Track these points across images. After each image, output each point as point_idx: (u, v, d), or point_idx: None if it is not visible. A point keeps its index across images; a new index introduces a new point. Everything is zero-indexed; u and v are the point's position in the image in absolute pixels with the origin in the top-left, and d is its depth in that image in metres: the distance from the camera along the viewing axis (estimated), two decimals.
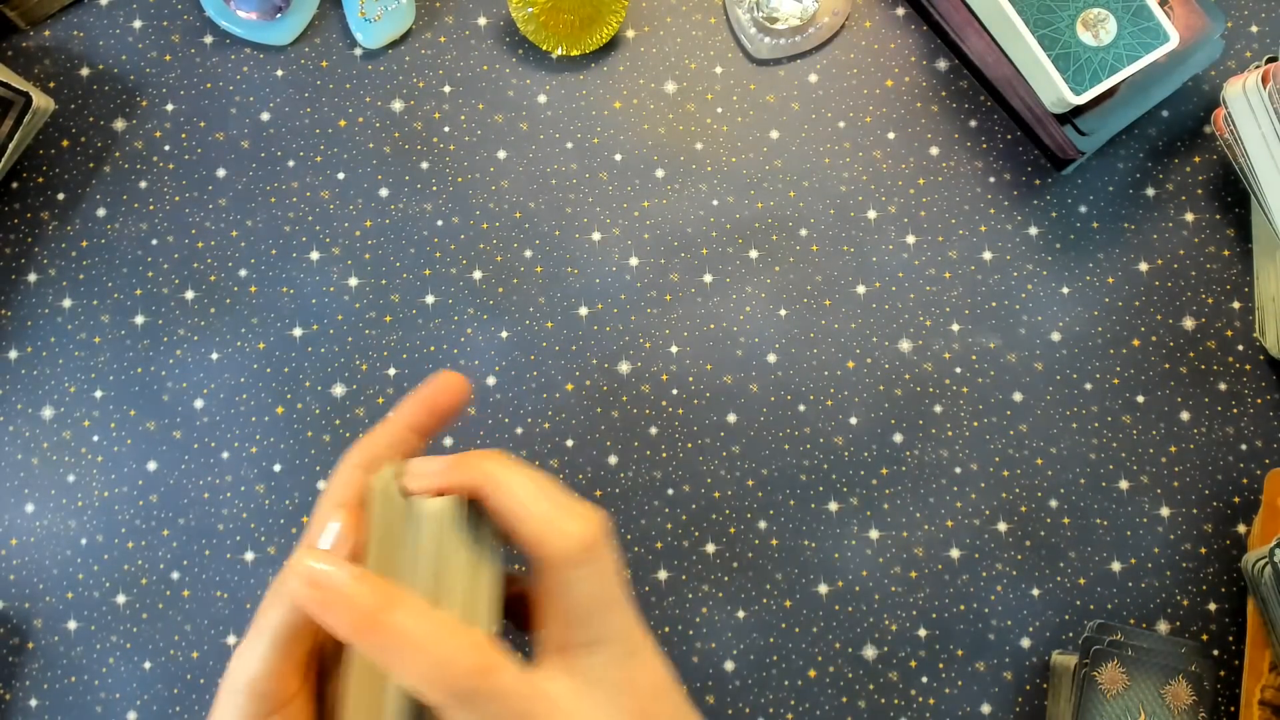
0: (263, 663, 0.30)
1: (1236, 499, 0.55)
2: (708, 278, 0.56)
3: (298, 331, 0.56)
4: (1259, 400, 0.55)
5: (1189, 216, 0.57)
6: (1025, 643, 0.54)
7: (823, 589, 0.54)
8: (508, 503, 0.29)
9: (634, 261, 0.56)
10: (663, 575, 0.54)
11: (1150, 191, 0.57)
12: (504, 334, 0.56)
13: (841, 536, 0.54)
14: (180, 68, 0.57)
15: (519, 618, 0.34)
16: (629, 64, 0.58)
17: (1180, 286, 0.56)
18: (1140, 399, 0.55)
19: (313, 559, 0.28)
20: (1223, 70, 0.57)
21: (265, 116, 0.57)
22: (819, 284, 0.56)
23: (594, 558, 0.29)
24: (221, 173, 0.57)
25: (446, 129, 0.57)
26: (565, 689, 0.28)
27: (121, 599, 0.54)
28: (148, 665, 0.54)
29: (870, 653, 0.54)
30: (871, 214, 0.57)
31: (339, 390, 0.55)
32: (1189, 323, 0.56)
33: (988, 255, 0.56)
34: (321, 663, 0.32)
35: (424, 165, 0.57)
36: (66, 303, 0.56)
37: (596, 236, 0.56)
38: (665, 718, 0.30)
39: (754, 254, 0.56)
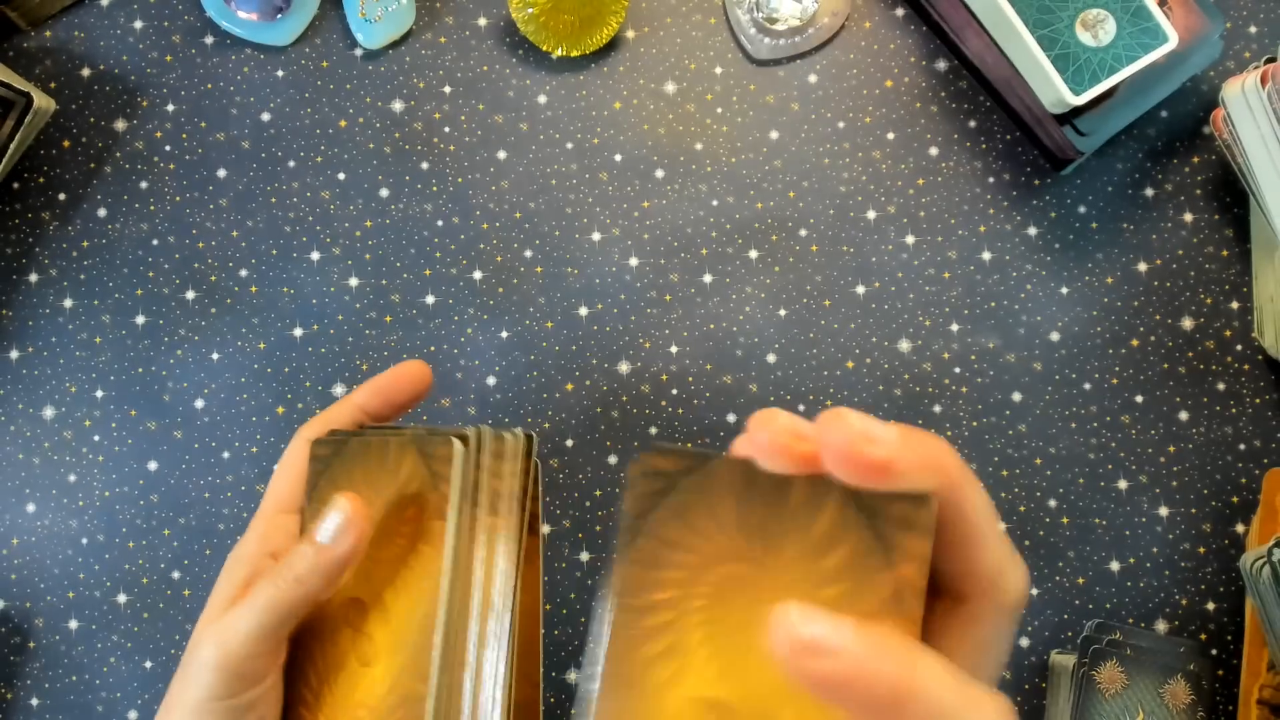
0: (247, 644, 0.28)
1: (1235, 499, 0.55)
2: (707, 278, 0.56)
3: (298, 331, 0.56)
4: (1258, 400, 0.55)
5: (1188, 217, 0.57)
6: (1024, 642, 0.54)
7: None
8: (970, 519, 0.22)
9: (634, 261, 0.56)
10: None
11: (1149, 192, 0.57)
12: (504, 334, 0.56)
13: None
14: (181, 68, 0.57)
15: None
16: (629, 64, 0.58)
17: (1179, 286, 0.56)
18: (1139, 399, 0.55)
19: (801, 619, 0.20)
20: (1222, 70, 0.58)
21: (266, 117, 0.57)
22: (819, 284, 0.56)
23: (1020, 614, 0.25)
24: (222, 173, 0.57)
25: (447, 129, 0.57)
26: None
27: (122, 598, 0.54)
28: (148, 665, 0.54)
29: None
30: (871, 214, 0.57)
31: (339, 390, 0.55)
32: (1188, 323, 0.56)
33: (987, 255, 0.57)
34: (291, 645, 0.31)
35: (424, 165, 0.57)
36: (67, 303, 0.56)
37: (596, 236, 0.56)
38: None
39: (754, 254, 0.56)
